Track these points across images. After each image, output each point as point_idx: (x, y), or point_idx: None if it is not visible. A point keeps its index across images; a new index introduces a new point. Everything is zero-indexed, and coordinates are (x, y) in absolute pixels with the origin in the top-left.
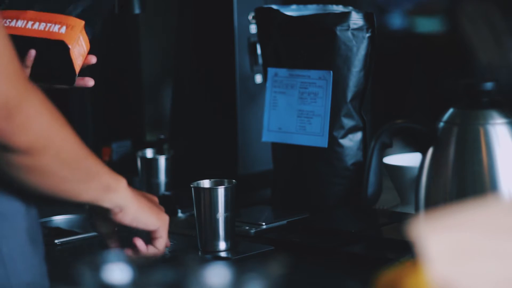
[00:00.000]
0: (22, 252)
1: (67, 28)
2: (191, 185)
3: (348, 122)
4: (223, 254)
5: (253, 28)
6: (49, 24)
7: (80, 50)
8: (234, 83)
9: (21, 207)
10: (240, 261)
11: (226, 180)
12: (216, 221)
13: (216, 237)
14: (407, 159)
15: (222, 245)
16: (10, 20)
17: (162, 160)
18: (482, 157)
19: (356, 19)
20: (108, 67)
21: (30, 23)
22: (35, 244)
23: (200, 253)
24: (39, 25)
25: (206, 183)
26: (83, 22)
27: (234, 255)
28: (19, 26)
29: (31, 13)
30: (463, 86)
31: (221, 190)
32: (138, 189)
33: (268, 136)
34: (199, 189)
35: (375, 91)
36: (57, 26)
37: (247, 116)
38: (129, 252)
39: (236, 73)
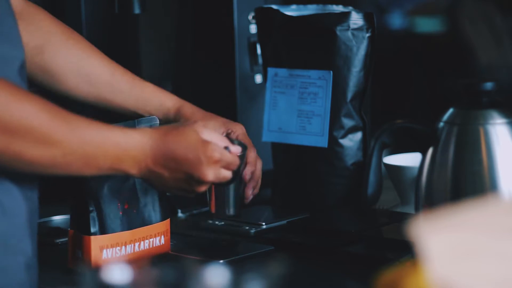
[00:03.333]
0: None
1: (165, 236)
2: None
3: (348, 122)
4: (231, 219)
5: (253, 28)
6: (150, 240)
7: None
8: (234, 83)
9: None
10: (240, 261)
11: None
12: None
13: (227, 204)
14: (407, 159)
15: (231, 211)
16: (119, 248)
17: None
18: (482, 157)
19: (356, 19)
20: None
21: (136, 245)
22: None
23: (211, 220)
24: (143, 244)
25: None
26: (168, 222)
27: (234, 255)
28: (129, 252)
29: (127, 233)
30: (463, 86)
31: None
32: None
33: (268, 136)
34: None
35: (375, 91)
36: (157, 239)
37: (247, 116)
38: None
39: (236, 73)
